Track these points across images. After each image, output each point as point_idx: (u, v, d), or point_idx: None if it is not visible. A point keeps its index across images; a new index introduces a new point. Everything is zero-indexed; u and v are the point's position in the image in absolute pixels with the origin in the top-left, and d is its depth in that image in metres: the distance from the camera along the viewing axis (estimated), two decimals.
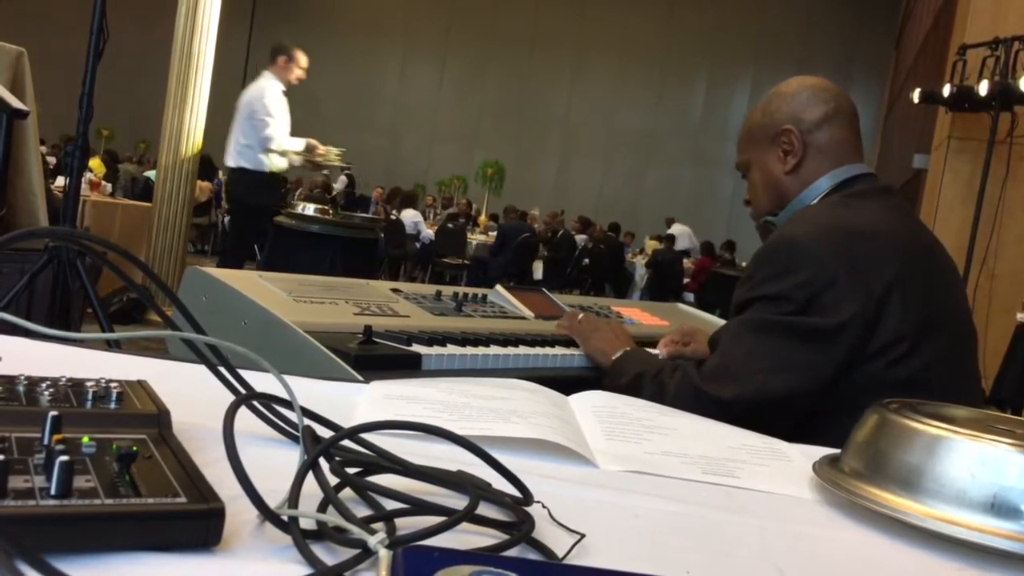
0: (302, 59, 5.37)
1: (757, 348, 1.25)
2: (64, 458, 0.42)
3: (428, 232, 11.49)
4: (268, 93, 5.24)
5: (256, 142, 5.19)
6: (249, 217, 5.41)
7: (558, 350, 1.53)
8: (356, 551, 0.45)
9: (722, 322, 2.28)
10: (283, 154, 5.37)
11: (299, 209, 6.11)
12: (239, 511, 0.47)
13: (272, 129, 5.21)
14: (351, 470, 0.55)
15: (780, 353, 1.24)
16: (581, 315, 1.65)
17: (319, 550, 0.46)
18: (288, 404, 0.60)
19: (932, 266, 1.38)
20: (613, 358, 1.48)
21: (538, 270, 10.54)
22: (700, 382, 1.25)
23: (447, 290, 1.74)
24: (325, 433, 0.60)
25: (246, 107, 5.26)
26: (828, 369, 1.23)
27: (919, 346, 1.25)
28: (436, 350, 1.32)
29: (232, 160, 5.29)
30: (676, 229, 14.06)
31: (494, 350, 1.42)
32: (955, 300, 1.42)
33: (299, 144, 5.39)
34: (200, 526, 0.44)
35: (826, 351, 1.23)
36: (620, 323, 1.80)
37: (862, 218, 1.33)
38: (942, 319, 1.32)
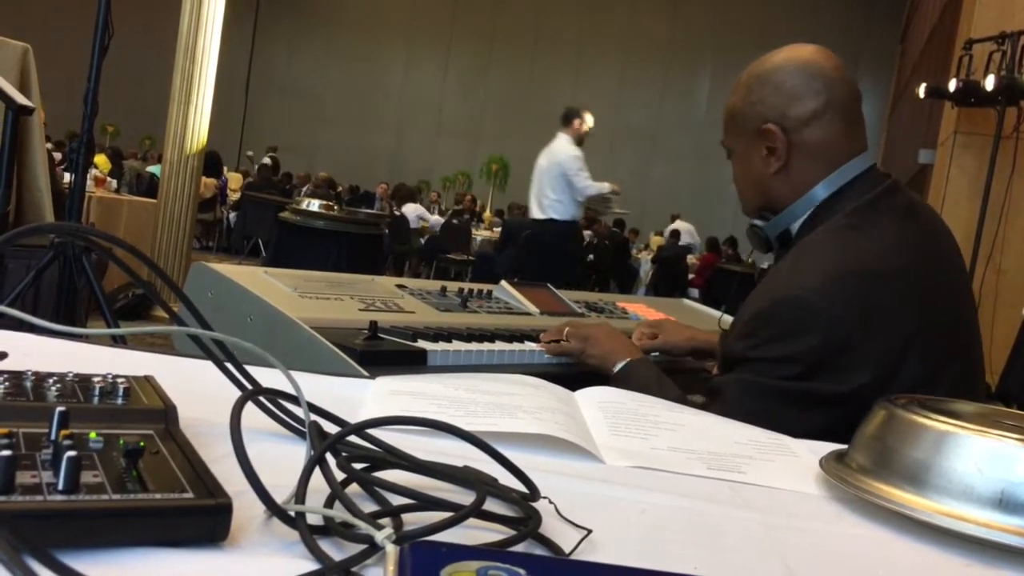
0: (589, 118, 6.21)
1: (758, 416, 1.12)
2: (71, 453, 0.42)
3: (437, 218, 11.62)
4: (573, 152, 6.03)
5: (567, 196, 5.97)
6: (553, 259, 6.09)
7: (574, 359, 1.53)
8: (363, 546, 0.45)
9: (725, 317, 2.27)
10: (598, 202, 6.37)
11: (304, 205, 6.13)
12: (246, 506, 0.47)
13: (589, 182, 6.08)
14: (358, 466, 0.55)
15: (782, 422, 1.11)
16: (567, 329, 1.52)
17: (326, 545, 0.46)
18: (295, 400, 0.60)
19: (949, 289, 1.28)
20: (615, 370, 1.42)
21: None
22: None
23: (452, 286, 1.74)
24: (331, 429, 0.60)
25: (554, 167, 5.97)
26: (835, 432, 1.14)
27: (939, 382, 1.17)
28: (441, 346, 1.32)
29: (540, 212, 6.05)
30: (679, 225, 14.05)
31: (500, 346, 1.42)
32: (968, 316, 1.32)
33: (607, 187, 6.28)
34: (207, 521, 0.44)
35: (833, 414, 1.13)
36: (607, 323, 1.71)
37: (875, 247, 1.20)
38: (960, 345, 1.26)
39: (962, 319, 1.30)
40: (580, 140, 6.14)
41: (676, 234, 12.96)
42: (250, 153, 11.70)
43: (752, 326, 1.21)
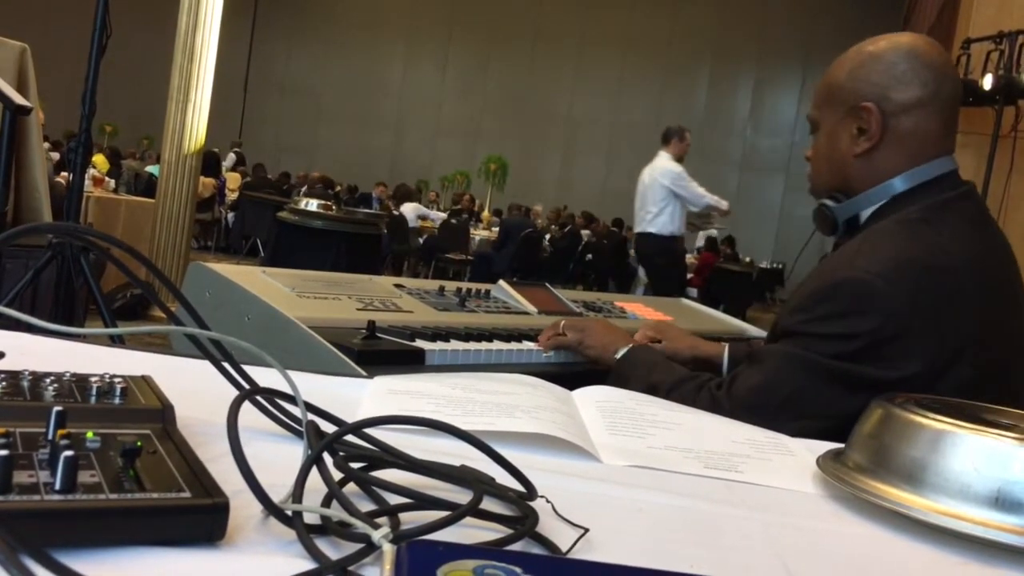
0: (688, 136, 6.60)
1: (804, 391, 1.15)
2: (69, 453, 0.42)
3: (440, 214, 11.67)
4: (676, 168, 6.34)
5: (668, 212, 6.27)
6: (656, 270, 6.66)
7: (574, 352, 1.53)
8: (360, 545, 0.45)
9: (724, 317, 2.28)
10: (701, 216, 6.77)
11: (303, 205, 6.13)
12: (243, 506, 0.47)
13: (703, 191, 6.44)
14: (355, 465, 0.55)
15: (826, 401, 1.14)
16: (562, 323, 1.53)
17: (323, 544, 0.46)
18: (292, 399, 0.60)
19: (1009, 297, 1.25)
20: (617, 356, 1.42)
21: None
22: (731, 408, 1.15)
23: (450, 285, 1.74)
24: (329, 428, 0.60)
25: (656, 183, 6.27)
26: None
27: (984, 392, 1.10)
28: (439, 345, 1.32)
29: (643, 227, 6.39)
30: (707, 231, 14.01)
31: (497, 345, 1.42)
32: (1021, 330, 1.28)
33: (724, 204, 6.66)
34: (205, 521, 0.44)
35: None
36: (603, 318, 1.72)
37: (945, 244, 1.18)
38: (1012, 364, 1.23)
39: (1016, 329, 1.26)
40: (680, 157, 6.49)
41: (712, 241, 12.96)
42: (216, 149, 11.62)
43: (810, 302, 1.19)
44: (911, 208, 1.24)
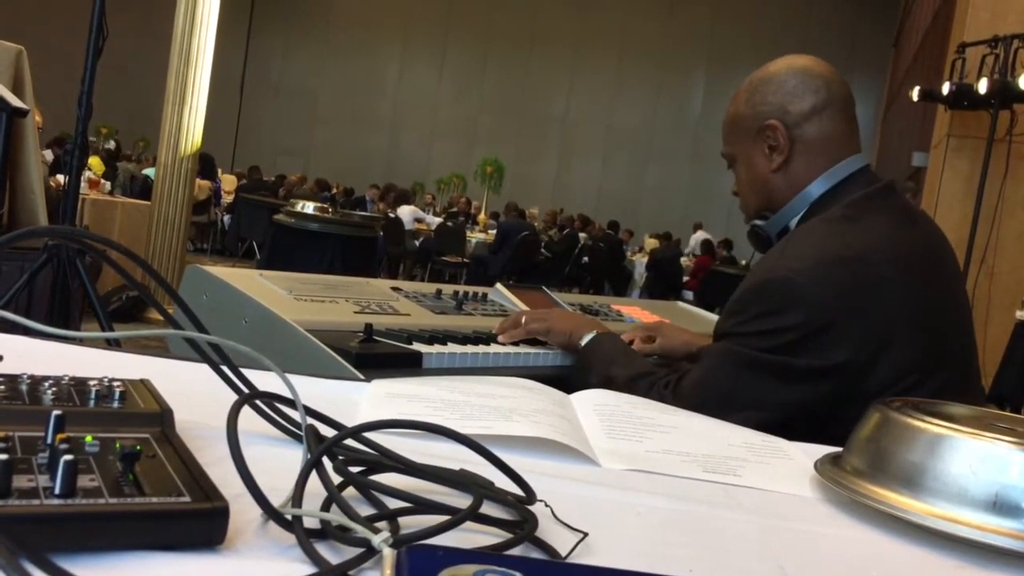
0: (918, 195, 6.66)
1: (742, 385, 1.21)
2: (68, 457, 0.42)
3: (435, 219, 11.70)
4: None
5: None
6: None
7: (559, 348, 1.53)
8: (360, 550, 0.45)
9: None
10: None
11: (299, 208, 6.12)
12: (243, 510, 0.47)
13: None
14: (354, 469, 0.55)
15: (765, 393, 1.19)
16: (523, 317, 1.53)
17: (323, 549, 0.46)
18: (291, 403, 0.60)
19: (942, 285, 1.31)
20: (582, 344, 1.44)
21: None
22: (676, 404, 1.17)
23: (447, 288, 1.74)
24: (328, 432, 0.60)
25: None
26: (815, 407, 1.19)
27: (929, 376, 1.20)
28: (437, 348, 1.32)
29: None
30: (703, 235, 13.99)
31: (495, 348, 1.42)
32: (962, 314, 1.35)
33: None
34: (204, 525, 0.44)
35: (813, 391, 1.19)
36: (570, 311, 1.72)
37: (867, 238, 1.24)
38: (952, 342, 1.28)
39: (955, 322, 1.32)
40: None
41: (708, 244, 12.97)
42: (93, 139, 11.41)
43: (741, 304, 1.26)
44: (833, 208, 1.31)
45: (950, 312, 1.31)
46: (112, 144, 14.36)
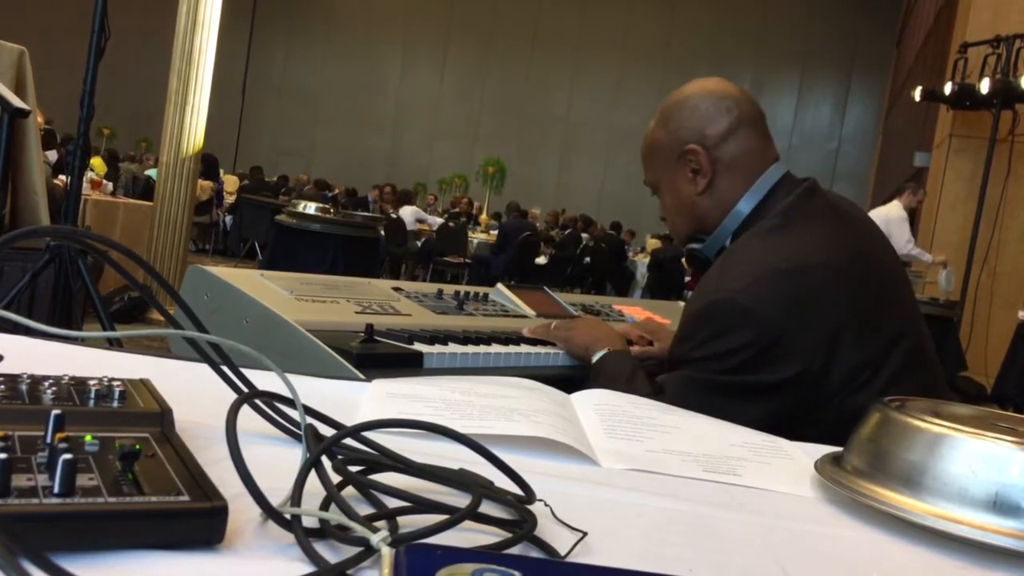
0: (920, 192, 6.79)
1: (705, 410, 1.16)
2: (67, 456, 0.42)
3: (437, 219, 11.69)
4: (900, 215, 6.58)
5: None
6: None
7: (559, 348, 1.53)
8: (359, 549, 0.45)
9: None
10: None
11: (300, 208, 6.13)
12: (242, 509, 0.47)
13: (910, 243, 6.65)
14: (353, 468, 0.55)
15: (728, 415, 1.15)
16: (553, 324, 1.58)
17: (322, 548, 0.46)
18: (290, 403, 0.60)
19: (880, 280, 1.33)
20: (593, 360, 1.45)
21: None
22: None
23: (449, 289, 1.74)
24: (327, 431, 0.60)
25: (880, 220, 6.23)
26: (781, 419, 1.17)
27: (881, 368, 1.23)
28: (438, 348, 1.32)
29: None
30: None
31: (496, 348, 1.42)
32: (906, 305, 1.37)
33: (927, 257, 6.85)
34: (203, 524, 0.44)
35: (775, 404, 1.20)
36: (597, 319, 1.74)
37: (798, 245, 1.26)
38: (899, 332, 1.29)
39: (899, 310, 1.34)
40: (912, 210, 6.73)
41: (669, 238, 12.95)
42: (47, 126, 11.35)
43: (688, 329, 1.28)
44: (763, 221, 1.33)
45: (892, 305, 1.33)
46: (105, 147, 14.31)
